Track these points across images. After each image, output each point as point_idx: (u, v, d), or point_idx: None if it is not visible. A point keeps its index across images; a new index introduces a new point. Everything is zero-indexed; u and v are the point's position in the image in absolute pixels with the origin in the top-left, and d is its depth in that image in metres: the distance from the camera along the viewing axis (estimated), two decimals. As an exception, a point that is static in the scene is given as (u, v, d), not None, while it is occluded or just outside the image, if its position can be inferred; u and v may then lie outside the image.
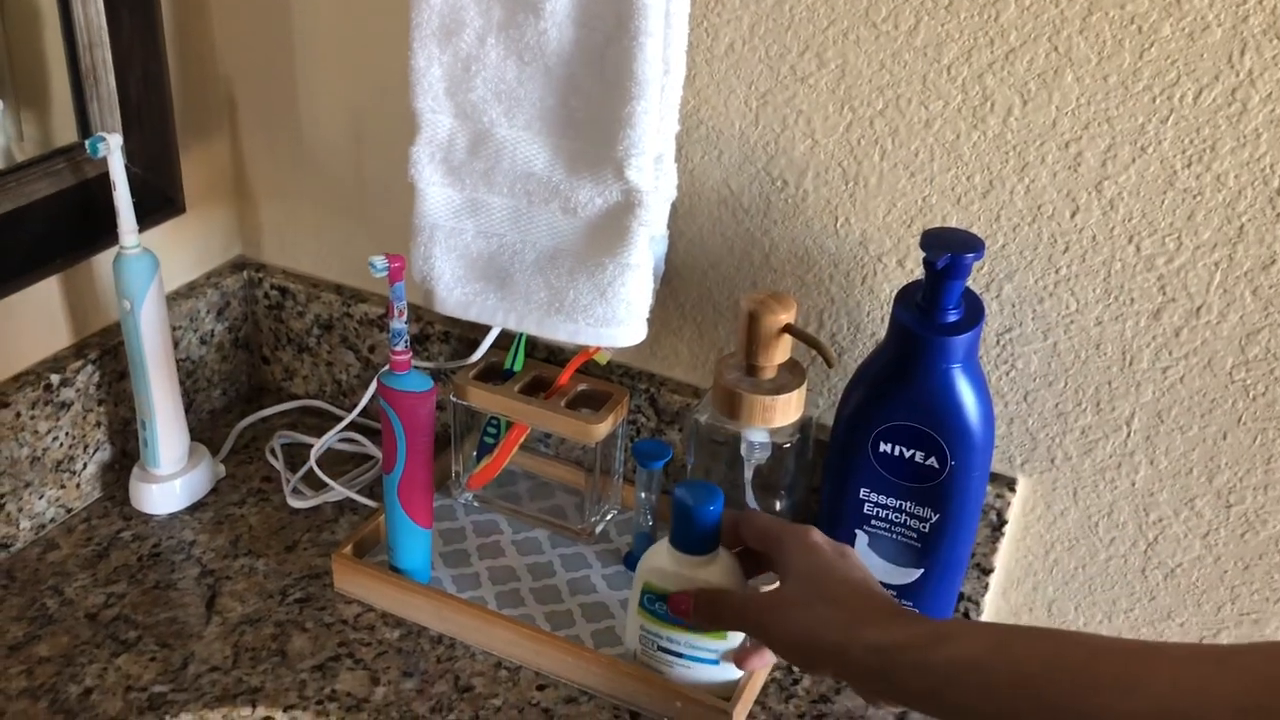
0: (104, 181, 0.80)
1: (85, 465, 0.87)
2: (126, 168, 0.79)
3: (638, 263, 0.75)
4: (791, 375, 0.75)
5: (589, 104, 0.72)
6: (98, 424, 0.87)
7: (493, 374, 0.87)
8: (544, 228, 0.77)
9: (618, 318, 0.77)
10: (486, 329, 0.87)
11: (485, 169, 0.76)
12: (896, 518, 0.75)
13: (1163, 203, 0.67)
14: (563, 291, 0.77)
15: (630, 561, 0.85)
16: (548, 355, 0.89)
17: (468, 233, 0.78)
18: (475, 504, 0.90)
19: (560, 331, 0.78)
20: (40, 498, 0.84)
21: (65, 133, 0.83)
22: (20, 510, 0.83)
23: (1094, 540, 0.78)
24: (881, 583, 0.77)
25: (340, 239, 0.95)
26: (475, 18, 0.72)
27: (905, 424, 0.72)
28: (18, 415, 0.80)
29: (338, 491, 0.89)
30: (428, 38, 0.73)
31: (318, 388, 1.01)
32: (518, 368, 0.87)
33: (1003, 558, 0.81)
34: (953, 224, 0.73)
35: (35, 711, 0.71)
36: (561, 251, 0.77)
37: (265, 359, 1.01)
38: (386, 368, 0.76)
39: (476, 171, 0.76)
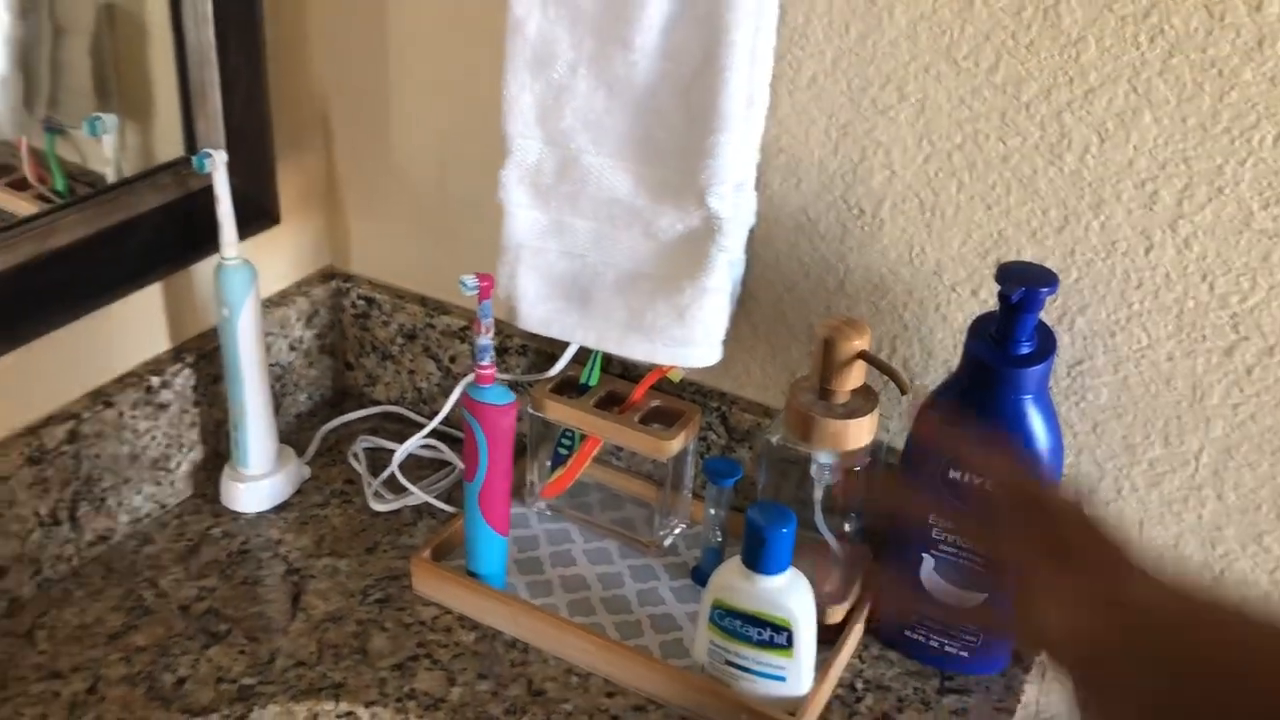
0: (206, 194, 0.84)
1: (179, 464, 0.91)
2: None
3: (715, 286, 0.78)
4: (864, 400, 0.77)
5: (673, 134, 0.75)
6: (192, 425, 0.91)
7: (569, 388, 0.90)
8: (625, 250, 0.79)
9: (694, 339, 0.79)
10: (564, 344, 0.90)
11: (571, 193, 0.79)
12: (963, 543, 0.77)
13: (1238, 243, 0.68)
14: (641, 312, 0.79)
15: (698, 576, 0.87)
16: (622, 371, 0.92)
17: (551, 253, 0.81)
18: (548, 513, 0.93)
19: (637, 350, 0.81)
20: (138, 494, 0.88)
21: (167, 147, 0.87)
22: (119, 505, 0.87)
23: (1159, 572, 0.79)
24: (945, 606, 0.79)
25: (425, 253, 0.98)
26: (567, 49, 0.75)
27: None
28: (120, 415, 0.85)
29: (417, 496, 0.92)
30: (521, 67, 0.76)
31: (399, 394, 1.04)
32: (593, 382, 0.90)
33: (1067, 585, 0.82)
34: (1027, 257, 0.74)
35: (133, 698, 0.75)
36: (641, 273, 0.79)
37: (349, 365, 1.05)
38: (471, 380, 0.79)
39: (562, 195, 0.79)
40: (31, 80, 0.82)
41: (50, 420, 0.81)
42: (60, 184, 0.83)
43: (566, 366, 0.90)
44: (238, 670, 0.77)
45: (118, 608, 0.82)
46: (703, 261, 0.77)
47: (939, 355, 0.80)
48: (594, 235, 0.80)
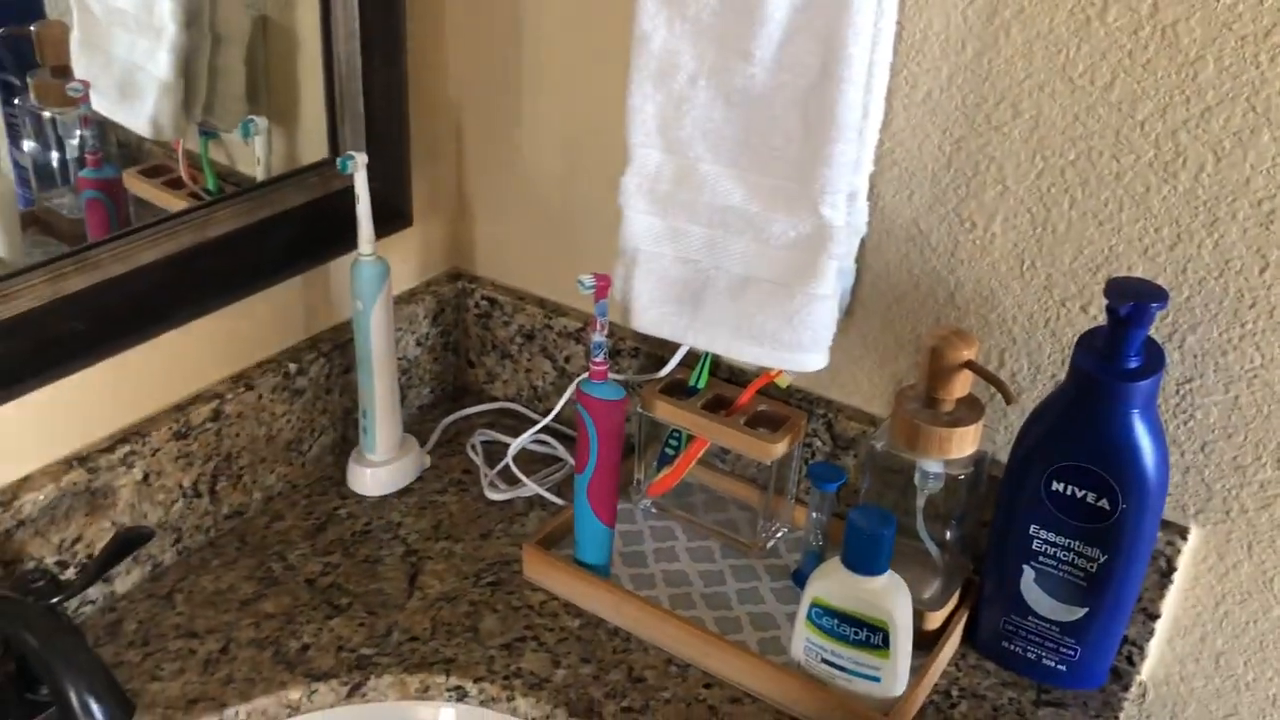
0: (346, 195, 0.90)
1: (310, 447, 0.97)
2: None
3: (825, 293, 0.80)
4: (969, 410, 0.78)
5: (789, 143, 0.77)
6: (324, 411, 0.97)
7: (677, 389, 0.93)
8: (737, 256, 0.82)
9: (803, 344, 0.81)
10: (675, 347, 0.93)
11: (688, 200, 0.82)
12: (1064, 556, 0.77)
13: (1357, 264, 0.68)
14: (751, 316, 0.82)
15: (799, 578, 0.89)
16: (730, 376, 0.94)
17: (666, 257, 0.85)
18: (653, 511, 0.96)
19: (746, 354, 0.84)
20: (271, 473, 0.94)
21: (310, 149, 0.93)
22: (255, 483, 0.93)
23: (1268, 596, 0.78)
24: (1047, 619, 0.80)
25: (546, 256, 1.02)
26: (689, 61, 0.78)
27: (1079, 465, 0.74)
28: (260, 398, 0.91)
29: (530, 488, 0.96)
30: (645, 79, 0.80)
31: (516, 392, 1.09)
32: (701, 385, 0.92)
33: (1170, 605, 0.81)
34: (1138, 274, 0.75)
35: (261, 659, 0.80)
36: (753, 279, 0.82)
37: (471, 363, 1.10)
38: (585, 376, 0.83)
39: (679, 202, 0.82)
40: (191, 86, 0.88)
41: (197, 399, 0.87)
42: (212, 184, 0.89)
43: (676, 369, 0.93)
44: (357, 640, 0.82)
45: (249, 577, 0.87)
46: (814, 268, 0.79)
47: (1047, 370, 0.81)
48: (708, 241, 0.82)
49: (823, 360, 0.83)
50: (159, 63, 0.85)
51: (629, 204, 0.84)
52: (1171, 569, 0.79)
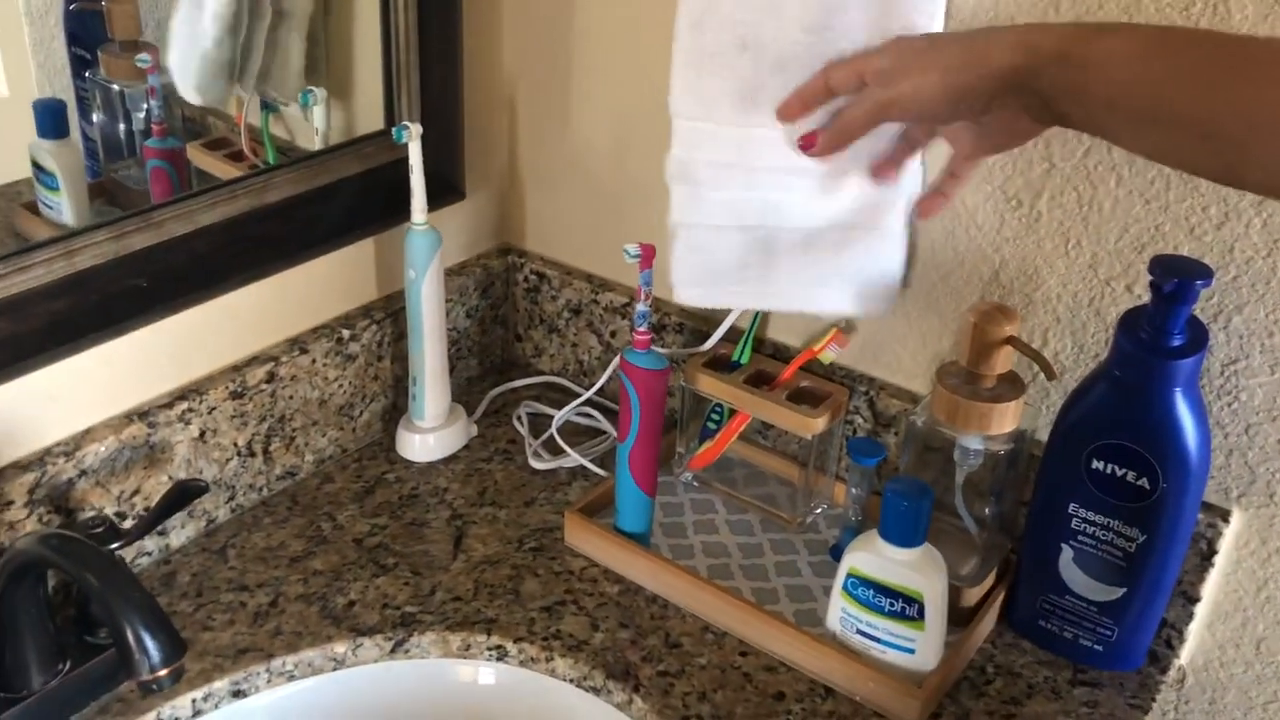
0: (400, 165, 0.92)
1: (361, 412, 0.99)
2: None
3: (895, 230, 0.82)
4: (1011, 387, 0.78)
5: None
6: (375, 377, 0.99)
7: (720, 364, 0.94)
8: (799, 214, 0.82)
9: (873, 286, 0.83)
10: (717, 323, 0.94)
11: (740, 167, 0.82)
12: (1103, 535, 0.77)
13: None
14: (822, 265, 0.83)
15: (836, 553, 0.90)
16: (774, 352, 0.95)
17: (724, 228, 0.84)
18: (694, 484, 0.97)
19: (813, 302, 0.84)
20: (323, 436, 0.96)
21: (366, 120, 0.95)
22: (307, 445, 0.95)
23: (1311, 582, 0.77)
24: (1084, 598, 0.80)
25: (595, 232, 1.04)
26: (738, 30, 0.78)
27: (1120, 443, 0.74)
28: (313, 361, 0.93)
29: (573, 458, 0.98)
30: (690, 47, 0.80)
31: (561, 366, 1.10)
32: (744, 361, 0.93)
33: (1211, 589, 0.81)
34: (1184, 253, 0.75)
35: (308, 614, 0.82)
36: (817, 231, 0.83)
37: (518, 336, 1.12)
38: (629, 346, 0.84)
39: (731, 171, 0.83)
40: (249, 59, 0.91)
41: (253, 360, 0.90)
42: (271, 157, 0.92)
43: (719, 344, 0.94)
44: (401, 599, 0.84)
45: (299, 535, 0.90)
46: (879, 207, 0.80)
47: (1090, 349, 0.81)
48: (767, 205, 0.83)
49: (888, 305, 0.84)
50: (219, 39, 0.88)
51: (680, 177, 0.85)
52: (1213, 552, 0.79)
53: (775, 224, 0.83)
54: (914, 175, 0.82)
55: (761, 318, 0.94)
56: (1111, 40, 0.57)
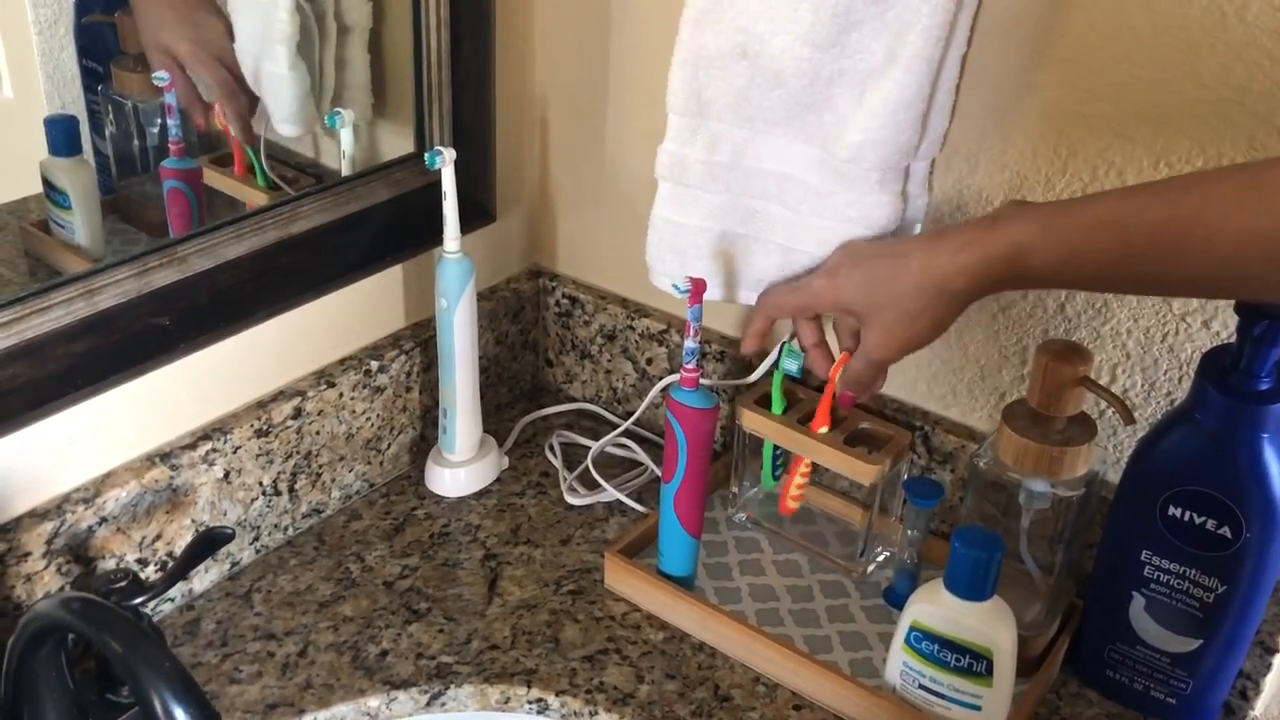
0: (430, 190, 0.88)
1: (390, 445, 0.95)
2: (453, 179, 0.86)
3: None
4: (1082, 429, 0.74)
5: (841, 122, 0.75)
6: (404, 409, 0.95)
7: (763, 399, 0.89)
8: (780, 228, 0.81)
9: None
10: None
11: (736, 171, 0.80)
12: (1179, 584, 0.73)
13: None
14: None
15: (890, 596, 0.86)
16: (819, 385, 0.91)
17: (704, 228, 0.82)
18: (748, 525, 0.93)
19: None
20: (350, 471, 0.93)
21: (394, 144, 0.91)
22: (333, 481, 0.91)
23: (1398, 634, 0.73)
24: (1157, 649, 0.76)
25: (629, 256, 0.99)
26: (740, 38, 0.76)
27: (1201, 490, 0.70)
28: (340, 395, 0.89)
29: (610, 493, 0.94)
30: (691, 53, 0.78)
31: (594, 393, 1.06)
32: (778, 411, 0.88)
33: (1291, 639, 0.77)
34: (1270, 289, 0.71)
35: (339, 664, 0.79)
36: (794, 250, 0.81)
37: (550, 362, 1.08)
38: (675, 382, 0.80)
39: (724, 174, 0.80)
40: (324, 79, 0.87)
41: (279, 396, 0.86)
42: (261, 180, 0.87)
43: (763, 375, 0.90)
44: (436, 648, 0.80)
45: (328, 578, 0.86)
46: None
47: (1162, 387, 0.77)
48: (750, 214, 0.81)
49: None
50: (292, 62, 0.84)
51: (669, 173, 0.82)
52: (1294, 601, 0.75)
53: (757, 234, 0.81)
54: (918, 202, 0.79)
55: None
56: (1042, 254, 0.63)
